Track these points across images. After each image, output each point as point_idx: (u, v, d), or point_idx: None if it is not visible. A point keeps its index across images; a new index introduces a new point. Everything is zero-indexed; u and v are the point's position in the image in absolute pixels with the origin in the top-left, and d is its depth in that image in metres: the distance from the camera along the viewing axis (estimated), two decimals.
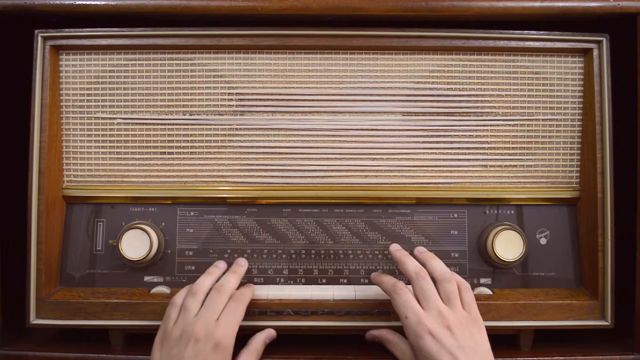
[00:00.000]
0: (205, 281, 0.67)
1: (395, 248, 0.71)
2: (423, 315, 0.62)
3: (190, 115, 0.74)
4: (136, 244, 0.71)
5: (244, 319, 0.68)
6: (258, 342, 0.67)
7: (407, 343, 0.64)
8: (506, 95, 0.75)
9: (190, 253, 0.74)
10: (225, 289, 0.66)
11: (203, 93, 0.74)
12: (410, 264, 0.66)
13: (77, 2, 0.70)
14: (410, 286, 0.66)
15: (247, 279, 0.73)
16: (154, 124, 0.74)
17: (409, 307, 0.63)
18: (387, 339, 0.68)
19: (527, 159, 0.75)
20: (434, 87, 0.74)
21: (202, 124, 0.74)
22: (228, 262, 0.73)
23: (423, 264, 0.67)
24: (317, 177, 0.74)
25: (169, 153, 0.74)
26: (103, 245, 0.74)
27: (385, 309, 0.69)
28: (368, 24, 0.73)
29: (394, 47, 0.73)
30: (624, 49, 0.72)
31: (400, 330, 0.66)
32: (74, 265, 0.74)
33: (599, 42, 0.73)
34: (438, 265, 0.67)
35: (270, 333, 0.69)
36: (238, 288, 0.69)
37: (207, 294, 0.66)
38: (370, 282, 0.73)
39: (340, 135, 0.75)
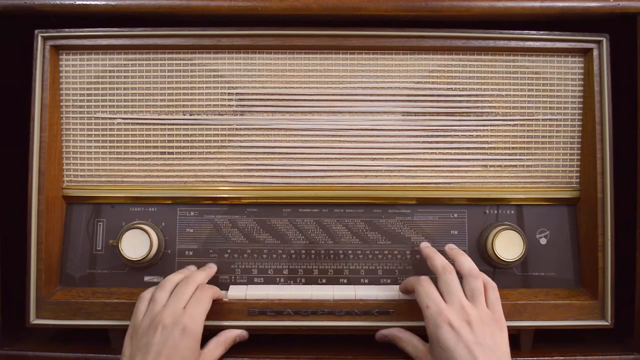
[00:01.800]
0: (174, 277, 0.68)
1: (425, 245, 0.72)
2: (444, 307, 0.62)
3: (190, 115, 0.74)
4: (136, 244, 0.71)
5: (245, 319, 0.68)
6: (229, 336, 0.68)
7: (419, 339, 0.65)
8: (506, 95, 0.75)
9: (190, 253, 0.74)
10: (193, 281, 0.67)
11: (203, 93, 0.74)
12: (438, 259, 0.67)
13: (77, 2, 0.70)
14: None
15: (248, 279, 0.73)
16: (154, 124, 0.74)
17: (430, 297, 0.63)
18: (398, 337, 0.67)
19: (527, 159, 0.75)
20: (434, 87, 0.74)
21: (202, 124, 0.74)
22: (227, 262, 0.73)
23: (452, 261, 0.67)
24: (317, 177, 0.74)
25: (169, 153, 0.74)
26: (103, 245, 0.74)
27: (386, 309, 0.69)
28: (368, 24, 0.73)
29: (394, 47, 0.73)
30: (624, 49, 0.72)
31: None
32: (74, 265, 0.74)
33: (599, 42, 0.73)
34: (467, 262, 0.67)
35: (243, 333, 0.69)
36: None
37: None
38: (370, 282, 0.73)
39: (340, 135, 0.75)
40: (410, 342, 0.66)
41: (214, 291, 0.68)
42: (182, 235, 0.74)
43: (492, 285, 0.66)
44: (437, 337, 0.60)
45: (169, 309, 0.63)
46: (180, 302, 0.64)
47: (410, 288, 0.68)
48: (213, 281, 0.72)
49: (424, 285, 0.65)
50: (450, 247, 0.71)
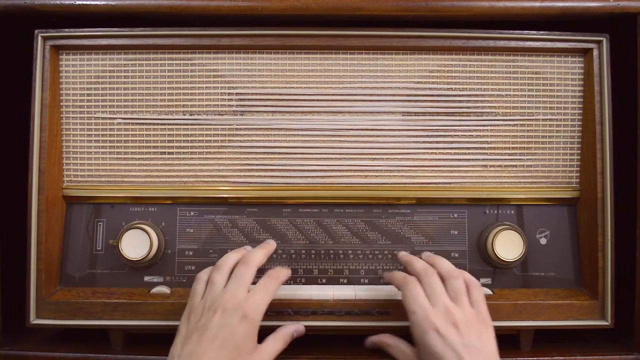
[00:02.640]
0: (230, 257, 0.67)
1: (403, 253, 0.71)
2: (431, 312, 0.61)
3: (190, 115, 0.74)
4: (136, 244, 0.71)
5: None
6: (287, 332, 0.66)
7: (407, 344, 0.64)
8: (506, 95, 0.75)
9: (190, 253, 0.74)
10: (252, 262, 0.65)
11: (203, 93, 0.74)
12: (418, 263, 0.67)
13: (77, 2, 0.70)
14: None
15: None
16: (154, 124, 0.74)
17: (417, 302, 0.62)
18: (387, 344, 0.67)
19: (527, 159, 0.75)
20: (434, 87, 0.74)
21: (202, 124, 0.74)
22: None
23: (432, 264, 0.67)
24: (317, 177, 0.74)
25: (169, 153, 0.74)
26: (103, 245, 0.74)
27: (385, 309, 0.69)
28: (368, 24, 0.73)
29: (394, 47, 0.73)
30: (624, 49, 0.72)
31: (400, 332, 0.66)
32: (74, 265, 0.74)
33: (599, 42, 0.73)
34: (445, 264, 0.67)
35: (300, 328, 0.68)
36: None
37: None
38: (370, 282, 0.73)
39: (340, 135, 0.75)
40: (399, 348, 0.66)
41: (283, 277, 0.66)
42: (182, 235, 0.74)
43: (475, 283, 0.65)
44: (424, 343, 0.60)
45: (230, 291, 0.62)
46: (242, 285, 0.63)
47: (396, 285, 0.67)
48: None
49: (411, 288, 0.64)
50: (427, 255, 0.71)
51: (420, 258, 0.70)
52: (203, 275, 0.66)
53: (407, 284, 0.64)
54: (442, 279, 0.65)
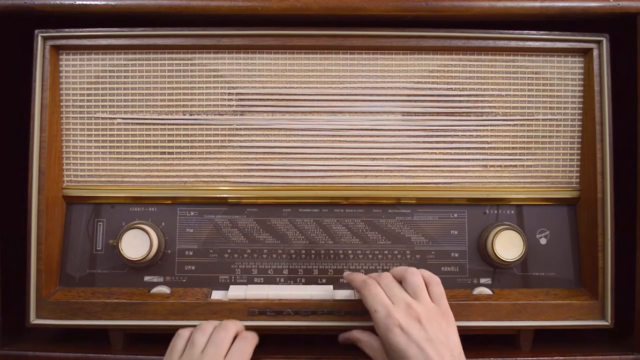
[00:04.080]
0: (212, 322, 0.66)
1: (346, 273, 0.71)
2: (392, 309, 0.62)
3: (190, 115, 0.74)
4: (136, 244, 0.71)
5: (245, 319, 0.68)
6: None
7: (377, 339, 0.65)
8: (506, 95, 0.75)
9: (190, 253, 0.74)
10: (231, 328, 0.65)
11: (203, 93, 0.74)
12: (361, 276, 0.67)
13: (77, 2, 0.70)
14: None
15: (248, 279, 0.73)
16: (154, 124, 0.74)
17: (377, 300, 0.63)
18: (357, 339, 0.68)
19: (527, 159, 0.75)
20: (434, 87, 0.74)
21: (202, 124, 0.74)
22: (227, 262, 0.73)
23: (380, 276, 0.67)
24: (317, 177, 0.74)
25: (169, 153, 0.74)
26: (103, 245, 0.74)
27: None
28: (368, 24, 0.73)
29: (394, 47, 0.73)
30: (624, 49, 0.72)
31: None
32: (74, 265, 0.74)
33: (599, 42, 0.73)
34: (399, 268, 0.67)
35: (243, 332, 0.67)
36: None
37: None
38: None
39: (340, 135, 0.75)
40: (368, 343, 0.66)
41: (256, 341, 0.66)
42: (182, 235, 0.74)
43: (435, 280, 0.66)
44: (388, 341, 0.61)
45: (208, 356, 0.61)
46: (220, 349, 0.62)
47: (355, 286, 0.68)
48: (214, 280, 0.72)
49: (371, 289, 0.64)
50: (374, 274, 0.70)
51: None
52: (185, 332, 0.65)
53: (366, 284, 0.65)
54: (400, 280, 0.66)
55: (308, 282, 0.74)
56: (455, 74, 0.74)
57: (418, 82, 0.74)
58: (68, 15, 0.71)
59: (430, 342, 0.59)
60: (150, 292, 0.72)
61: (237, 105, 0.74)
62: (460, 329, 0.65)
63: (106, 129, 0.74)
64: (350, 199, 0.74)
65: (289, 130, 0.74)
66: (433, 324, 0.61)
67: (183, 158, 0.74)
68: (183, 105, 0.74)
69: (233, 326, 0.65)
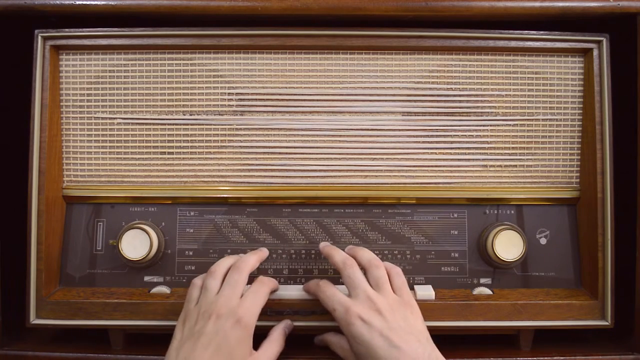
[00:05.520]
0: (224, 262, 0.67)
1: (323, 244, 0.71)
2: (351, 304, 0.62)
3: (190, 115, 0.74)
4: (136, 244, 0.71)
5: None
6: (278, 332, 0.67)
7: (346, 339, 0.64)
8: (506, 95, 0.75)
9: (190, 253, 0.74)
10: (244, 268, 0.65)
11: (203, 93, 0.74)
12: (338, 256, 0.67)
13: (77, 2, 0.70)
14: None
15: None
16: (154, 124, 0.74)
17: (334, 299, 0.63)
18: (329, 341, 0.68)
19: (527, 159, 0.75)
20: (434, 87, 0.74)
21: (202, 124, 0.74)
22: None
23: (353, 256, 0.67)
24: (317, 177, 0.74)
25: (169, 153, 0.74)
26: (103, 245, 0.74)
27: None
28: (368, 24, 0.73)
29: (394, 47, 0.73)
30: (624, 49, 0.72)
31: None
32: (74, 265, 0.74)
33: (599, 42, 0.73)
34: (366, 254, 0.67)
35: (288, 323, 0.69)
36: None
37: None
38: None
39: (340, 135, 0.75)
40: (339, 344, 0.66)
41: (272, 285, 0.67)
42: (182, 235, 0.74)
43: (397, 271, 0.66)
44: (351, 335, 0.61)
45: (223, 297, 0.62)
46: (235, 291, 0.63)
47: (312, 293, 0.68)
48: None
49: (325, 290, 0.65)
50: (349, 247, 0.71)
51: (344, 250, 0.70)
52: (198, 281, 0.66)
53: (320, 287, 0.66)
54: (364, 270, 0.66)
55: None
56: (455, 74, 0.74)
57: (418, 82, 0.74)
58: (68, 15, 0.71)
59: (393, 330, 0.60)
60: (150, 292, 0.72)
61: (237, 105, 0.74)
62: (460, 329, 0.65)
63: (106, 129, 0.74)
64: (350, 199, 0.74)
65: (289, 130, 0.74)
66: (395, 314, 0.61)
67: (183, 158, 0.74)
68: (183, 105, 0.74)
69: (247, 266, 0.66)
